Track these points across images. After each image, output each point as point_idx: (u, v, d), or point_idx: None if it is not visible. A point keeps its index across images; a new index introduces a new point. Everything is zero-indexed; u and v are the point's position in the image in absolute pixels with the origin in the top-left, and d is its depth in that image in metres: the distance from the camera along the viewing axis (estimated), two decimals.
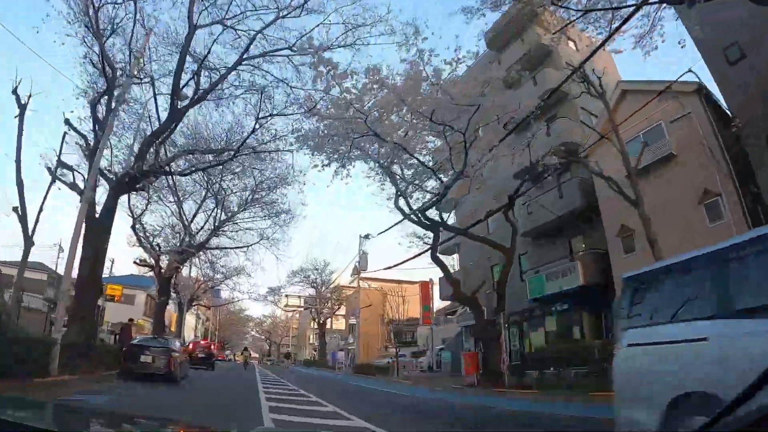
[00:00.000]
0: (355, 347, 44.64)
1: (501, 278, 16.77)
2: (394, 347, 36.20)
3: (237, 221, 26.58)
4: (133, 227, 22.89)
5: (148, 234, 24.12)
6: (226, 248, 28.18)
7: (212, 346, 26.71)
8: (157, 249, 23.11)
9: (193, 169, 18.07)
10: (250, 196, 24.56)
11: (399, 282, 43.40)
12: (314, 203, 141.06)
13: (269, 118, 16.26)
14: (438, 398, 13.52)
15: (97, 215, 13.16)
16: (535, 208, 21.61)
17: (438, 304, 57.69)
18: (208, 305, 40.01)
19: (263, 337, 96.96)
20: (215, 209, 24.73)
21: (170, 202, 24.06)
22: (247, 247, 27.99)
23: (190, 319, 73.49)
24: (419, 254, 24.63)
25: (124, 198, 18.05)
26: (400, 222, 21.77)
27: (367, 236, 32.59)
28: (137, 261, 23.82)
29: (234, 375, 21.54)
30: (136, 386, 10.73)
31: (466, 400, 13.01)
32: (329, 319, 47.89)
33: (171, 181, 20.26)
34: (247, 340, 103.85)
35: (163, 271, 23.71)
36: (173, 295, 36.07)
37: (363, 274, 37.15)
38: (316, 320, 46.00)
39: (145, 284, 40.47)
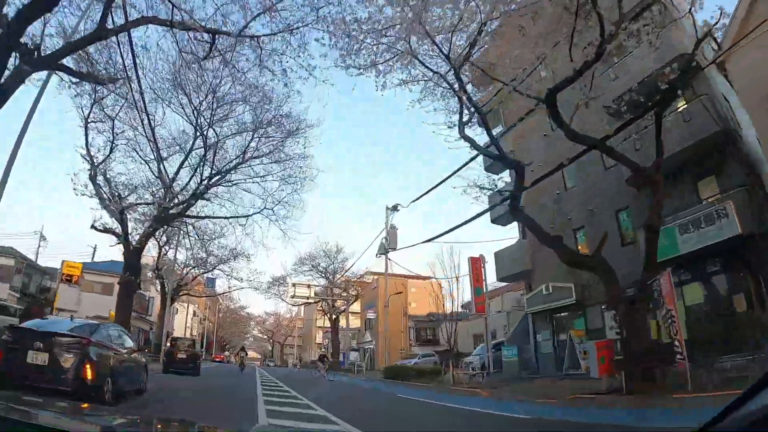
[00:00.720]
0: (373, 346, 38.19)
1: (651, 218, 10.32)
2: (419, 345, 30.03)
3: (233, 180, 20.23)
4: (92, 177, 16.54)
5: (114, 191, 17.73)
6: (218, 218, 21.81)
7: (195, 344, 20.28)
8: (119, 202, 16.67)
9: None
10: (252, 139, 18.26)
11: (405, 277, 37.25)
12: (327, 180, 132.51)
13: None
14: (589, 422, 7.16)
15: None
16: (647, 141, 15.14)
17: (465, 295, 51.67)
18: (201, 295, 33.48)
19: (265, 336, 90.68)
20: (204, 158, 18.34)
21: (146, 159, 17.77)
22: (247, 217, 21.61)
23: (183, 316, 67.31)
24: (482, 213, 17.84)
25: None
26: (469, 161, 15.50)
27: (395, 208, 26.25)
28: (97, 226, 17.42)
29: (223, 384, 15.16)
30: None
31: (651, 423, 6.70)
32: (341, 315, 41.33)
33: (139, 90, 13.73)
34: (248, 340, 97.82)
35: (130, 238, 17.35)
36: (155, 281, 29.59)
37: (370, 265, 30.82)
38: (328, 315, 39.55)
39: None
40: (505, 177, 25.48)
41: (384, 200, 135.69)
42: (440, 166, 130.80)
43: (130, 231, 18.07)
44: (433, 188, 19.46)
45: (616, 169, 16.64)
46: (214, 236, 26.04)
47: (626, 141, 15.09)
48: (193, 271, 29.51)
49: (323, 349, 23.32)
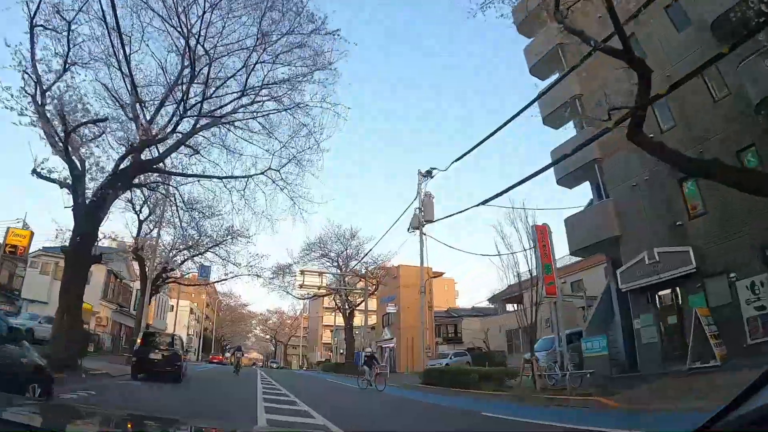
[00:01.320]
0: (393, 345, 33.08)
1: None
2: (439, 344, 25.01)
3: (229, 119, 15.20)
4: (33, 96, 11.40)
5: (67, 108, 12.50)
6: (209, 177, 16.76)
7: (176, 341, 15.15)
8: (64, 122, 11.37)
9: None
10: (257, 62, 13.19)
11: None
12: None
13: None
14: None
15: None
16: None
17: (495, 286, 45.77)
18: (192, 284, 28.36)
19: (268, 336, 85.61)
20: (192, 79, 13.25)
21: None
22: (247, 178, 16.60)
23: (179, 316, 62.41)
24: (546, 168, 12.53)
25: None
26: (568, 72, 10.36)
27: (429, 173, 21.17)
28: (41, 171, 12.21)
29: (206, 402, 10.06)
30: None
31: None
32: (353, 312, 36.18)
33: None
34: (249, 339, 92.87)
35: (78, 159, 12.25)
36: (133, 262, 24.49)
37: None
38: (340, 309, 34.46)
39: (108, 257, 29.03)
40: (565, 133, 20.58)
41: (404, 178, 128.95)
42: (477, 130, 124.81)
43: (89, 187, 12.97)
44: (484, 140, 14.20)
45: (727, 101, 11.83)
46: (206, 211, 21.03)
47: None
48: (181, 254, 24.47)
49: (370, 348, 17.34)
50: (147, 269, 21.03)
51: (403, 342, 32.22)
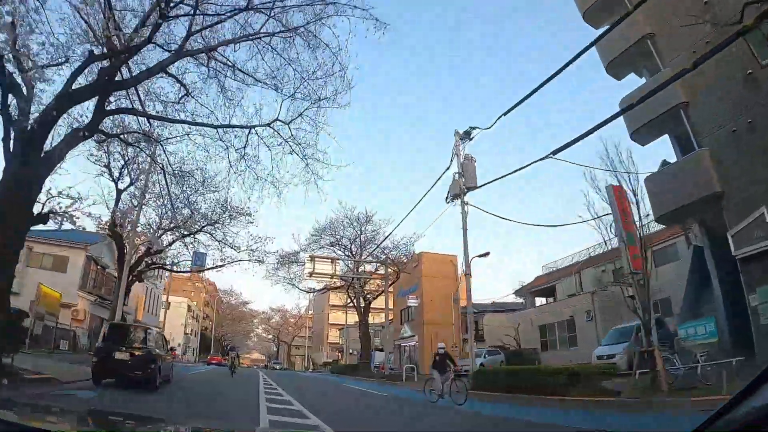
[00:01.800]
0: (415, 343, 29.25)
1: None
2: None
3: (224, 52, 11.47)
4: None
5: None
6: (201, 125, 12.96)
7: (151, 337, 11.17)
8: None
9: None
10: None
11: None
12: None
13: None
14: None
15: None
16: None
17: (521, 277, 40.71)
18: (181, 271, 24.48)
19: (270, 336, 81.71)
20: None
21: None
22: (250, 129, 12.91)
23: (175, 314, 58.66)
24: (615, 116, 8.57)
25: None
26: None
27: (468, 134, 17.49)
28: None
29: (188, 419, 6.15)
30: None
31: None
32: (368, 307, 32.26)
33: None
34: (251, 339, 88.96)
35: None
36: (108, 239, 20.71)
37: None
38: (354, 303, 30.60)
39: (88, 241, 25.29)
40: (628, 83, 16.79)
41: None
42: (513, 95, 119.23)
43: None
44: (534, 92, 10.37)
45: None
46: (198, 182, 17.28)
47: None
48: (170, 235, 20.66)
49: (442, 345, 11.75)
50: (126, 250, 17.23)
51: (426, 340, 28.37)
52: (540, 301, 36.66)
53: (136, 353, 9.82)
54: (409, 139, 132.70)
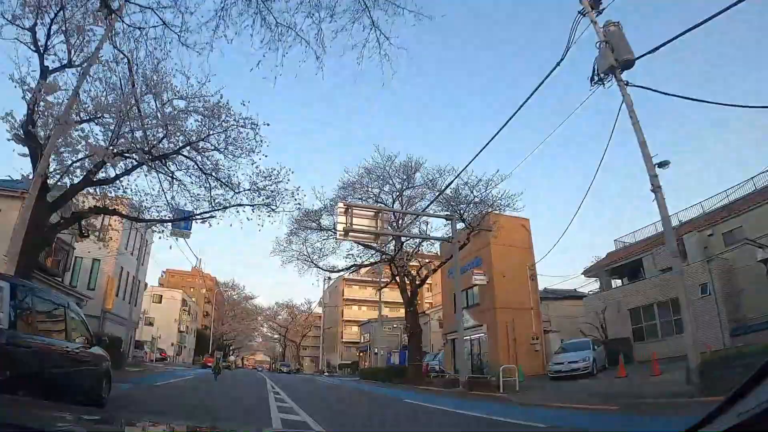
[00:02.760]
0: (483, 334, 21.35)
1: None
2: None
3: None
4: None
5: None
6: None
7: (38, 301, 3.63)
8: None
9: None
10: None
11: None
12: None
13: None
14: None
15: None
16: None
17: (593, 252, 33.10)
18: (157, 219, 16.27)
19: (276, 335, 73.84)
20: None
21: None
22: None
23: (168, 308, 50.46)
24: None
25: None
26: None
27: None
28: None
29: None
30: None
31: None
32: (420, 288, 24.10)
33: None
34: (255, 339, 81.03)
35: None
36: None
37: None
38: (398, 283, 22.54)
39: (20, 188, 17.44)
40: None
41: None
42: None
43: None
44: None
45: None
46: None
47: None
48: (133, 156, 12.74)
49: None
50: (40, 160, 9.41)
51: (500, 330, 20.49)
52: (615, 282, 29.34)
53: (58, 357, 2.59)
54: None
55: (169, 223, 15.58)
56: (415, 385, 18.70)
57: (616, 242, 31.64)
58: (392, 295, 60.39)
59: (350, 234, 15.74)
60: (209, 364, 37.15)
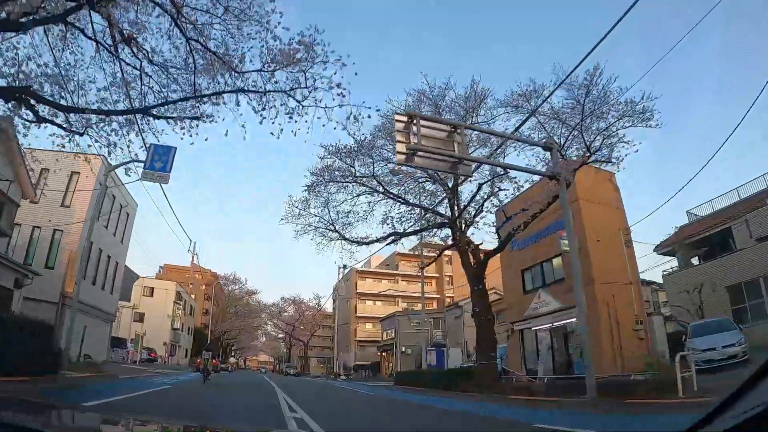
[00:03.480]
0: (573, 319, 15.70)
1: None
2: None
3: None
4: None
5: None
6: None
7: None
8: None
9: None
10: None
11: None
12: None
13: None
14: None
15: None
16: None
17: (668, 228, 27.83)
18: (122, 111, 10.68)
19: (281, 335, 68.21)
20: None
21: None
22: None
23: (161, 304, 44.64)
24: None
25: None
26: None
27: None
28: None
29: None
30: None
31: None
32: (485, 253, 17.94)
33: None
34: (259, 339, 75.46)
35: None
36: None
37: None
38: (456, 243, 16.37)
39: None
40: None
41: None
42: None
43: None
44: None
45: None
46: None
47: None
48: None
49: None
50: None
51: (601, 312, 14.85)
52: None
53: None
54: None
55: (136, 150, 10.11)
56: (494, 393, 12.97)
57: (689, 214, 26.39)
58: (410, 287, 54.82)
59: (421, 152, 10.00)
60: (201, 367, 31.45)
